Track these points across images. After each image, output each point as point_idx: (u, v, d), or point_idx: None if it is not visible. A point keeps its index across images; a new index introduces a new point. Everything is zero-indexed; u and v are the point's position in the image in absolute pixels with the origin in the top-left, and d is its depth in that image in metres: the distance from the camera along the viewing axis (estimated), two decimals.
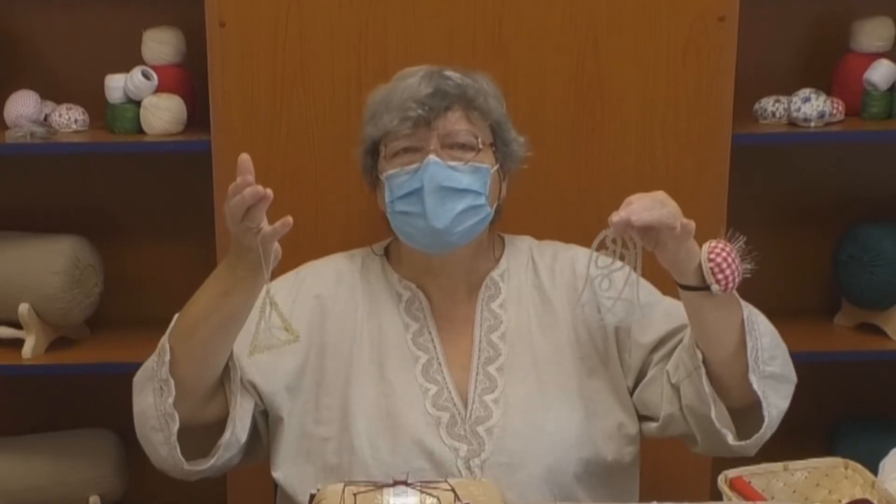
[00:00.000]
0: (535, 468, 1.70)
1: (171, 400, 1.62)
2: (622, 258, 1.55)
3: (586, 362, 1.77)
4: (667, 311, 1.75)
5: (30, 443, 2.42)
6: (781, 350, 1.68)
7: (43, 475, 2.36)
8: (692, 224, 1.53)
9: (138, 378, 1.69)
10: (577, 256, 1.83)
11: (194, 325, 1.62)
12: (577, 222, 2.10)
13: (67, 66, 2.42)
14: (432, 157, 1.68)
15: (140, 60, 2.29)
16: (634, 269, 1.56)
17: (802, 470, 1.57)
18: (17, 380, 2.50)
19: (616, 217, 1.49)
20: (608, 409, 1.76)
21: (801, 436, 2.06)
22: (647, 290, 1.73)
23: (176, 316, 1.67)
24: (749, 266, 1.56)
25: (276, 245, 1.53)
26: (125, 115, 2.27)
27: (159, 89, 2.27)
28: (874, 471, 1.58)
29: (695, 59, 2.10)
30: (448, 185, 1.68)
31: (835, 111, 2.29)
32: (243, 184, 1.47)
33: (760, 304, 1.70)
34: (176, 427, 1.63)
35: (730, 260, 1.53)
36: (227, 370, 1.69)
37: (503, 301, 1.81)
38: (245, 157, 1.48)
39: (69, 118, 2.31)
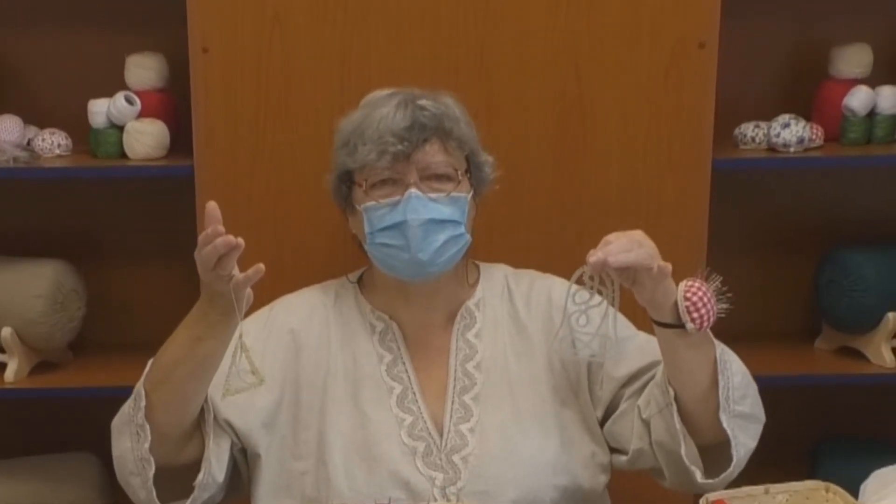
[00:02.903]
0: (512, 495, 1.70)
1: (146, 445, 1.62)
2: (600, 293, 1.56)
3: (559, 393, 1.78)
4: (640, 347, 1.76)
5: (12, 466, 2.41)
6: (752, 390, 1.68)
7: (26, 499, 2.35)
8: (669, 266, 1.53)
9: (115, 423, 1.70)
10: (554, 286, 1.84)
11: (168, 370, 1.62)
12: (559, 245, 2.12)
13: (50, 90, 2.42)
14: (413, 191, 1.68)
15: (123, 85, 2.29)
16: (612, 305, 1.57)
17: (783, 493, 1.57)
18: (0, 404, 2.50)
19: (593, 257, 1.49)
20: (580, 438, 1.77)
21: (782, 459, 2.07)
22: (623, 325, 1.73)
23: (150, 361, 1.67)
24: (724, 306, 1.57)
25: (248, 290, 1.54)
26: (108, 140, 2.26)
27: (142, 114, 2.27)
28: (855, 494, 1.59)
29: (675, 84, 2.11)
30: (430, 218, 1.68)
31: (814, 137, 2.30)
32: (214, 233, 1.47)
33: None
34: (152, 471, 1.63)
35: (705, 300, 1.54)
36: (201, 411, 1.69)
37: (478, 331, 1.81)
38: (213, 206, 1.48)
39: (52, 143, 2.31)
